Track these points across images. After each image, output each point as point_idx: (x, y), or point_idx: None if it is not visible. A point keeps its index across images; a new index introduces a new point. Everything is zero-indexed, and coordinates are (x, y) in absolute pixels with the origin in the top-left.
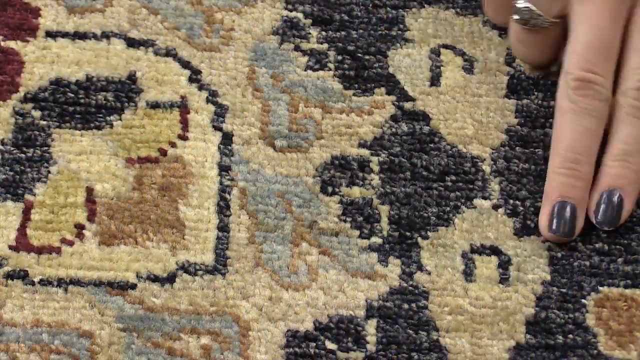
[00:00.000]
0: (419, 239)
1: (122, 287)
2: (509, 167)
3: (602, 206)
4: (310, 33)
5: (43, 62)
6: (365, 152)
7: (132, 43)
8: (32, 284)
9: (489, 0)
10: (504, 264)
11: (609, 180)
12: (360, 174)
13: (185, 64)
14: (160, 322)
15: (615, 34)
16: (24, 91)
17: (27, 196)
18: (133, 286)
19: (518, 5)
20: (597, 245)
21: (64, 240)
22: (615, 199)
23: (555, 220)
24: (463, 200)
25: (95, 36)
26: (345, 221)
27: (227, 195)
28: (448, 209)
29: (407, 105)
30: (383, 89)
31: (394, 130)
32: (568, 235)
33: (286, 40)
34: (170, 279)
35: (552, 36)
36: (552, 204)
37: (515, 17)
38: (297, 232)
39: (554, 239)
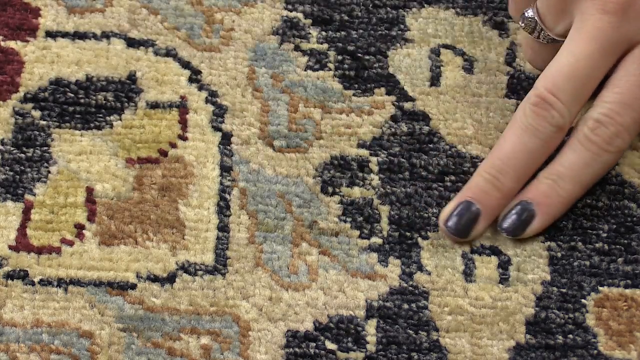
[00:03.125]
0: (419, 239)
1: (122, 287)
2: None
3: (513, 214)
4: (310, 33)
5: (43, 62)
6: (364, 152)
7: (132, 43)
8: (32, 284)
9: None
10: (504, 264)
11: (531, 193)
12: (360, 174)
13: (185, 64)
14: (160, 322)
15: (596, 69)
16: (24, 91)
17: (27, 196)
18: (133, 286)
19: (526, 14)
20: (597, 245)
21: (64, 240)
22: (528, 211)
23: (454, 217)
24: None
25: (95, 36)
26: (345, 221)
27: (227, 196)
28: None
29: (407, 105)
30: (383, 89)
31: (393, 130)
32: (460, 236)
33: (286, 40)
34: (170, 279)
35: (558, 49)
36: (460, 200)
37: (521, 23)
38: (297, 232)
39: (446, 234)
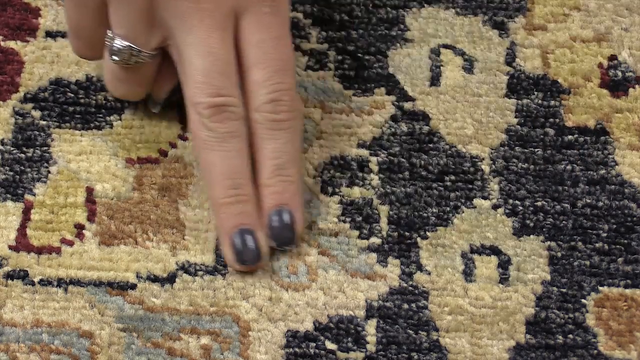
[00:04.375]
0: (418, 239)
1: (122, 287)
2: (508, 167)
3: (276, 228)
4: (310, 33)
5: (43, 62)
6: (364, 152)
7: None
8: (32, 284)
9: (76, 36)
10: (504, 264)
11: (273, 199)
12: (360, 174)
13: None
14: (160, 322)
15: (229, 53)
16: (24, 91)
17: (27, 196)
18: (133, 286)
19: (116, 47)
20: (597, 245)
21: (64, 240)
22: (286, 217)
23: (241, 252)
24: (462, 200)
25: None
26: (344, 221)
27: None
28: (447, 209)
29: (407, 105)
30: (383, 89)
31: (393, 130)
32: (257, 262)
33: None
34: (170, 279)
35: (152, 69)
36: (230, 236)
37: (115, 58)
38: None
39: (246, 269)
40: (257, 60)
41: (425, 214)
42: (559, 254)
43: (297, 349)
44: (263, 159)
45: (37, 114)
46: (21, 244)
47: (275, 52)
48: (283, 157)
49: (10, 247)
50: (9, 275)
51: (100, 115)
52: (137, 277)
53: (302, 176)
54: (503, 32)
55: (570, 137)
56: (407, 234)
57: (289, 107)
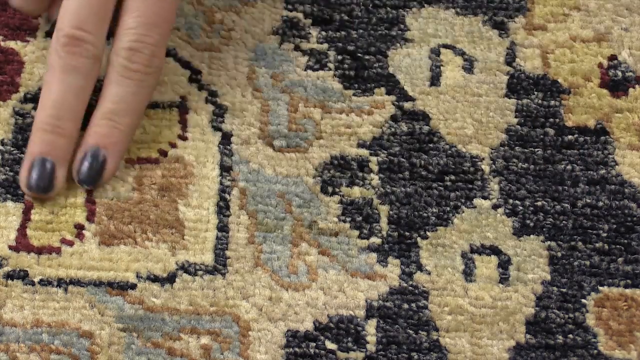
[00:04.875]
0: (419, 239)
1: (122, 287)
2: (508, 167)
3: (85, 164)
4: (310, 33)
5: (43, 62)
6: (364, 152)
7: None
8: (32, 284)
9: None
10: (504, 264)
11: (95, 139)
12: (360, 174)
13: (185, 64)
14: (160, 322)
15: None
16: (24, 91)
17: (27, 196)
18: (133, 286)
19: None
20: (597, 245)
21: (64, 241)
22: (99, 157)
23: (33, 176)
24: (462, 200)
25: None
26: (344, 221)
27: (226, 196)
28: (448, 208)
29: (407, 105)
30: (383, 89)
31: (393, 130)
32: (45, 192)
33: (286, 40)
34: (170, 279)
35: None
36: (31, 159)
37: None
38: (296, 232)
39: (32, 195)
40: (133, 8)
41: (425, 214)
42: (559, 254)
43: (297, 349)
44: (102, 100)
45: None
46: (21, 244)
47: (154, 6)
48: (120, 105)
49: (10, 247)
50: (9, 275)
51: None
52: (137, 277)
53: (133, 131)
54: (503, 32)
55: (570, 137)
56: (407, 233)
57: (146, 61)
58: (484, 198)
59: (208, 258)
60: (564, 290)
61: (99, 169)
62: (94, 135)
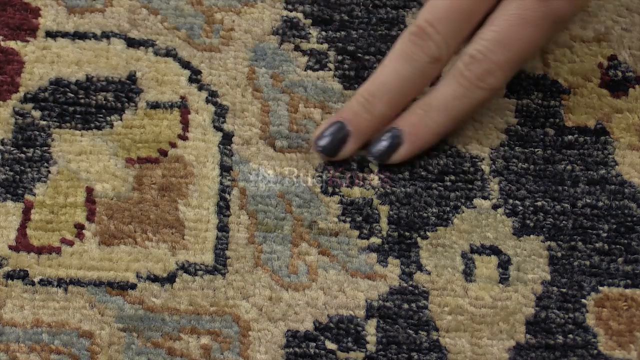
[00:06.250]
0: (419, 239)
1: (122, 287)
2: (508, 167)
3: (382, 140)
4: (310, 33)
5: (43, 62)
6: (364, 152)
7: (132, 43)
8: (32, 284)
9: None
10: (504, 264)
11: (403, 122)
12: (360, 174)
13: (185, 64)
14: (160, 322)
15: (476, 5)
16: (24, 91)
17: (27, 196)
18: (133, 286)
19: None
20: (597, 245)
21: (64, 240)
22: (397, 139)
23: (325, 137)
24: (462, 200)
25: (95, 36)
26: (344, 221)
27: (227, 195)
28: (447, 209)
29: None
30: None
31: None
32: (329, 155)
33: (286, 40)
34: (170, 279)
35: None
36: (332, 120)
37: None
38: (296, 233)
39: (317, 152)
40: (496, 22)
41: (425, 214)
42: (559, 254)
43: (297, 349)
44: (427, 94)
45: (37, 114)
46: (21, 244)
47: (515, 30)
48: (440, 102)
49: (10, 247)
50: (9, 275)
51: (100, 115)
52: (137, 277)
53: (440, 133)
54: None
55: (570, 137)
56: (407, 234)
57: (481, 75)
58: (484, 198)
59: (208, 258)
60: (564, 290)
61: (390, 148)
62: (403, 118)
